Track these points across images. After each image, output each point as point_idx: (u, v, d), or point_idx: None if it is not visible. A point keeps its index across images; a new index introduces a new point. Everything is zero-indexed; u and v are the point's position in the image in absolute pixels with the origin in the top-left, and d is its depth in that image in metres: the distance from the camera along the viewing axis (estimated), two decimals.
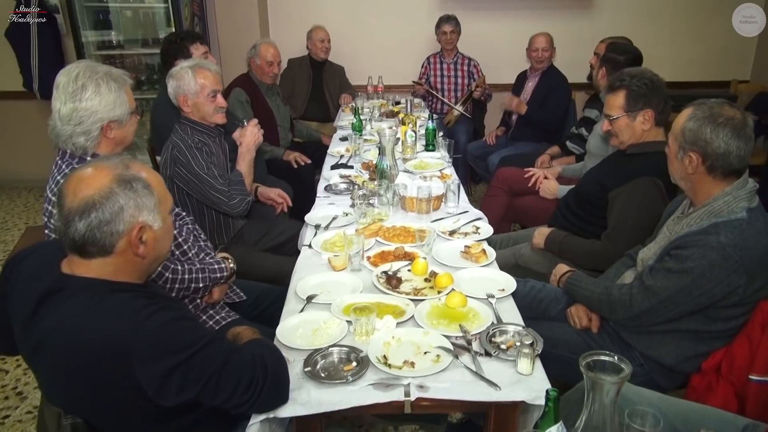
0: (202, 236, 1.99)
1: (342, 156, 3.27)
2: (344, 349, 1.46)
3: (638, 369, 1.65)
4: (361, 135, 3.43)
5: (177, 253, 1.82)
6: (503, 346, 1.48)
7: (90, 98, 1.66)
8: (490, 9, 4.85)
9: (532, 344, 1.41)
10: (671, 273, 1.57)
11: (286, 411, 1.29)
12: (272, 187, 2.91)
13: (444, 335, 1.51)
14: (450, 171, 2.88)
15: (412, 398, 1.32)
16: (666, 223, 1.80)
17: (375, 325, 1.53)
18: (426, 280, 1.81)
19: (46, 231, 1.73)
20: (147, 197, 1.19)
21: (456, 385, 1.36)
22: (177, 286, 1.70)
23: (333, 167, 3.05)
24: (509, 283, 1.81)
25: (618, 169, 2.18)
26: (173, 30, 4.11)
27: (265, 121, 3.38)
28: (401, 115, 3.69)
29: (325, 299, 1.70)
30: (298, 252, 2.11)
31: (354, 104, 4.08)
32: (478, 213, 2.39)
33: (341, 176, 2.85)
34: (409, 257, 1.95)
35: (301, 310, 1.66)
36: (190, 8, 4.31)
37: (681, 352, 1.65)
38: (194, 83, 2.32)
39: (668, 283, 1.57)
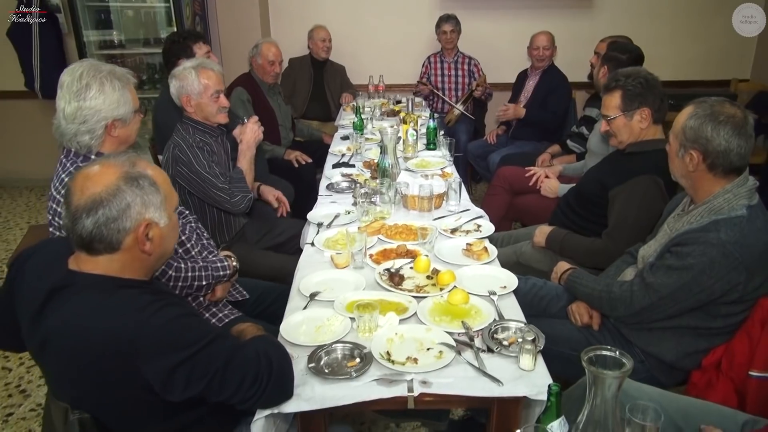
0: (204, 234, 2.00)
1: (343, 155, 3.28)
2: (348, 345, 1.47)
3: (639, 365, 1.66)
4: (362, 134, 3.44)
5: (180, 251, 1.83)
6: (505, 343, 1.49)
7: (94, 97, 1.67)
8: (490, 8, 4.86)
9: (534, 340, 1.42)
10: (672, 270, 1.58)
11: (290, 406, 1.30)
12: (274, 186, 2.91)
13: (446, 332, 1.52)
14: (451, 169, 2.89)
15: (416, 393, 1.33)
16: (666, 220, 1.81)
17: (378, 321, 1.54)
18: (428, 277, 1.82)
19: (51, 229, 1.74)
20: (153, 194, 1.20)
21: (459, 380, 1.37)
22: (180, 283, 1.71)
23: (335, 166, 3.06)
24: (511, 280, 1.81)
25: (618, 167, 2.19)
26: (174, 29, 4.11)
27: (267, 120, 3.39)
28: (402, 114, 3.70)
29: (328, 296, 1.71)
30: (300, 250, 2.12)
31: (355, 103, 4.09)
32: (480, 211, 2.40)
33: (343, 175, 2.86)
34: (412, 255, 1.96)
35: (305, 307, 1.67)
36: (191, 7, 4.31)
37: (681, 349, 1.66)
38: (198, 83, 2.33)
39: (669, 280, 1.58)
